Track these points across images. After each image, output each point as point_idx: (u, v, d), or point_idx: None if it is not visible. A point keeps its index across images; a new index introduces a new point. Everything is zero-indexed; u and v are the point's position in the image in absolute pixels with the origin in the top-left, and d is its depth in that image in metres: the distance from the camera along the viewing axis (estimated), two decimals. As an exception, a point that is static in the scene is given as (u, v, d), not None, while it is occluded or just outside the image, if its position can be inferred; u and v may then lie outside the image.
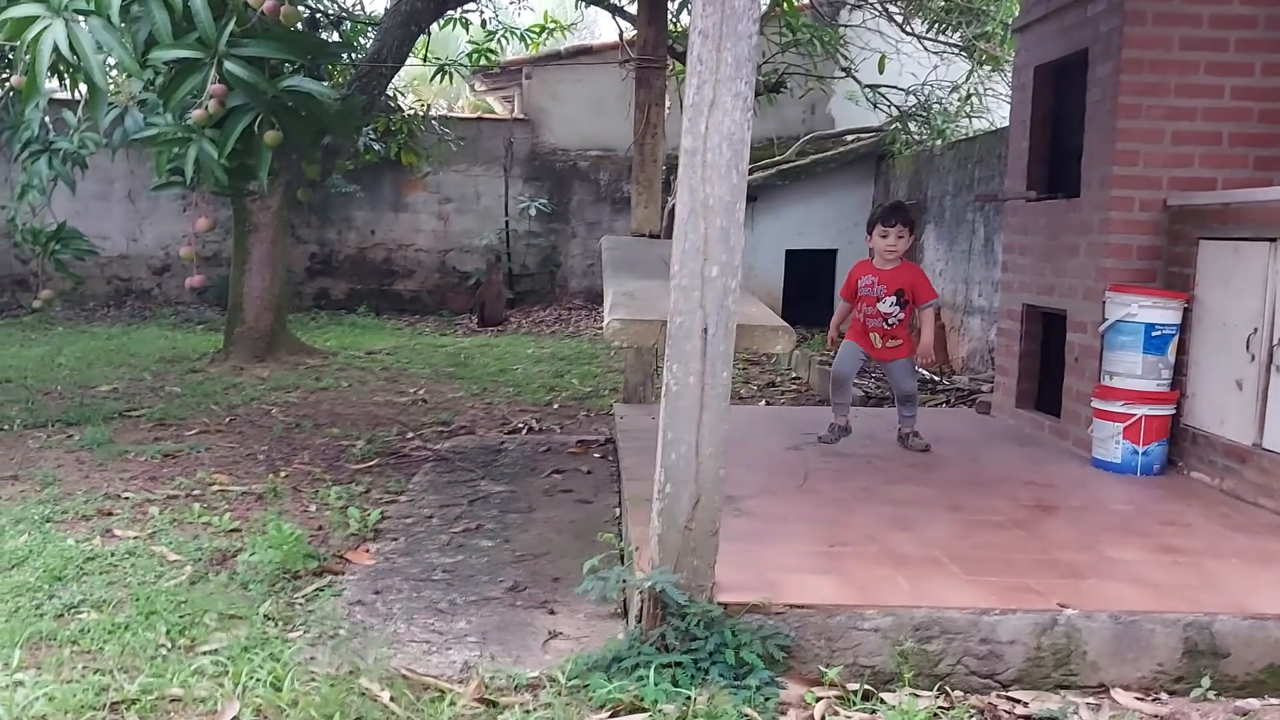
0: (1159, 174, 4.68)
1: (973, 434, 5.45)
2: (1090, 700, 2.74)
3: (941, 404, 6.99)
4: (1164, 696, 2.77)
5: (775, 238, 11.74)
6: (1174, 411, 4.53)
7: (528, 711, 2.53)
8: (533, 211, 12.56)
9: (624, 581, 2.91)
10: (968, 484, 4.27)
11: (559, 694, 2.60)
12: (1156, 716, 2.67)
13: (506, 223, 12.60)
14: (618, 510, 4.22)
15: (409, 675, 2.71)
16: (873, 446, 4.98)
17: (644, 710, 2.50)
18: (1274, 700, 2.74)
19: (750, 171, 10.97)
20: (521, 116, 12.98)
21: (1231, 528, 3.70)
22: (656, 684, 2.55)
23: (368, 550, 3.78)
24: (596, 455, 5.34)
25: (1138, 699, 2.75)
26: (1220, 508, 3.98)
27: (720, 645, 2.65)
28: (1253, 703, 2.73)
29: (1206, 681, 2.78)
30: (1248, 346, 4.07)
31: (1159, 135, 4.66)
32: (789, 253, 11.78)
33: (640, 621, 2.76)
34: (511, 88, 13.73)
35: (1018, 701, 2.70)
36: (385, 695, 2.58)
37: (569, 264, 12.91)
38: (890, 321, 4.81)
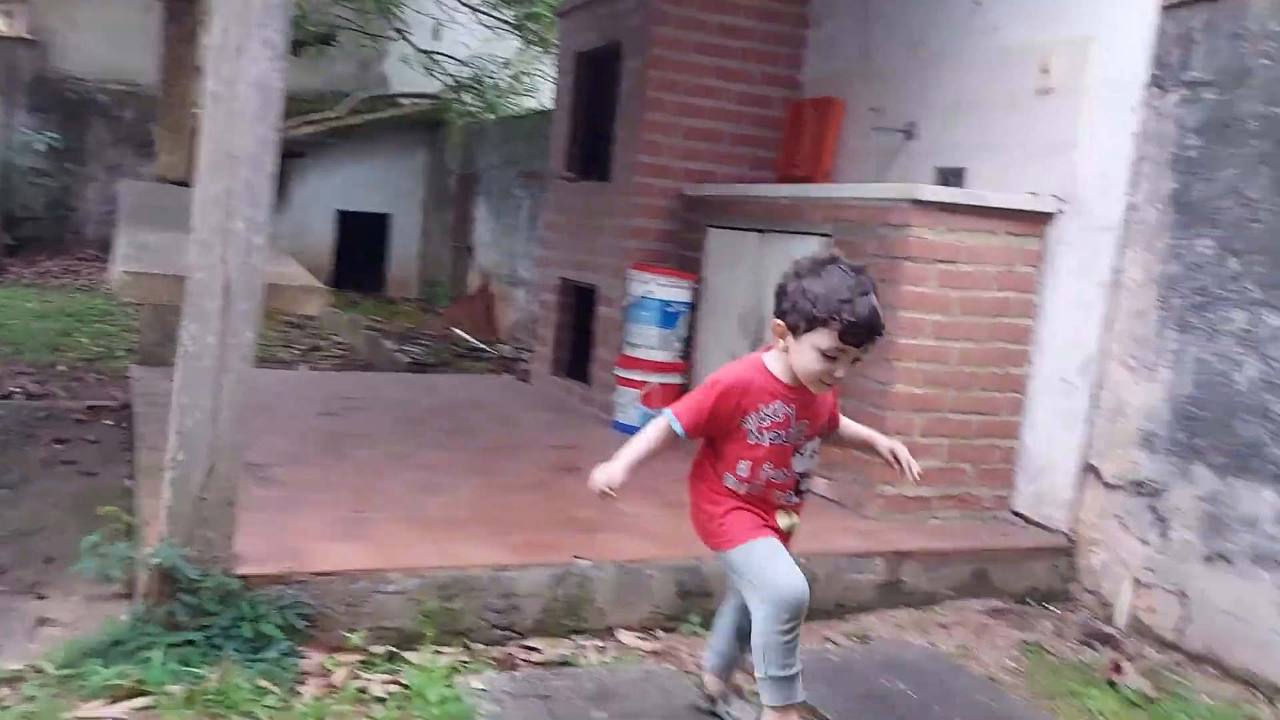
0: (677, 165, 5.15)
1: (510, 400, 5.67)
2: (598, 643, 2.98)
3: (485, 371, 7.19)
4: (660, 633, 3.08)
5: (326, 197, 11.35)
6: (684, 380, 5.03)
7: (5, 707, 2.25)
8: (40, 147, 11.04)
9: (128, 558, 2.68)
10: (498, 449, 4.44)
11: (45, 685, 2.34)
12: (653, 652, 2.97)
13: (7, 158, 10.96)
14: (130, 482, 3.87)
15: None
16: (408, 411, 5.00)
17: (147, 694, 2.33)
18: (747, 631, 3.14)
19: (298, 126, 10.49)
20: (27, 36, 11.33)
21: (723, 483, 4.19)
22: (163, 665, 2.38)
23: None
24: (108, 423, 4.85)
25: (639, 638, 3.03)
26: (716, 466, 4.48)
27: (237, 619, 2.54)
28: (730, 634, 3.11)
29: (695, 618, 3.13)
30: (741, 324, 4.62)
31: (676, 129, 5.13)
32: (341, 214, 11.45)
33: (147, 601, 2.56)
34: (14, 3, 11.92)
35: (533, 649, 2.87)
36: None
37: (85, 209, 11.51)
38: (803, 486, 2.43)
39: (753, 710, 2.47)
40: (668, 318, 4.92)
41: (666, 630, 3.10)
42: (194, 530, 2.59)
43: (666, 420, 2.34)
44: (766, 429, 2.31)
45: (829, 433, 2.51)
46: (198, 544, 2.58)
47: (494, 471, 4.01)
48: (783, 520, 2.37)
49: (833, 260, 2.26)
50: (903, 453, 2.49)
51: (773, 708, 2.29)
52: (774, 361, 2.34)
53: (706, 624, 3.12)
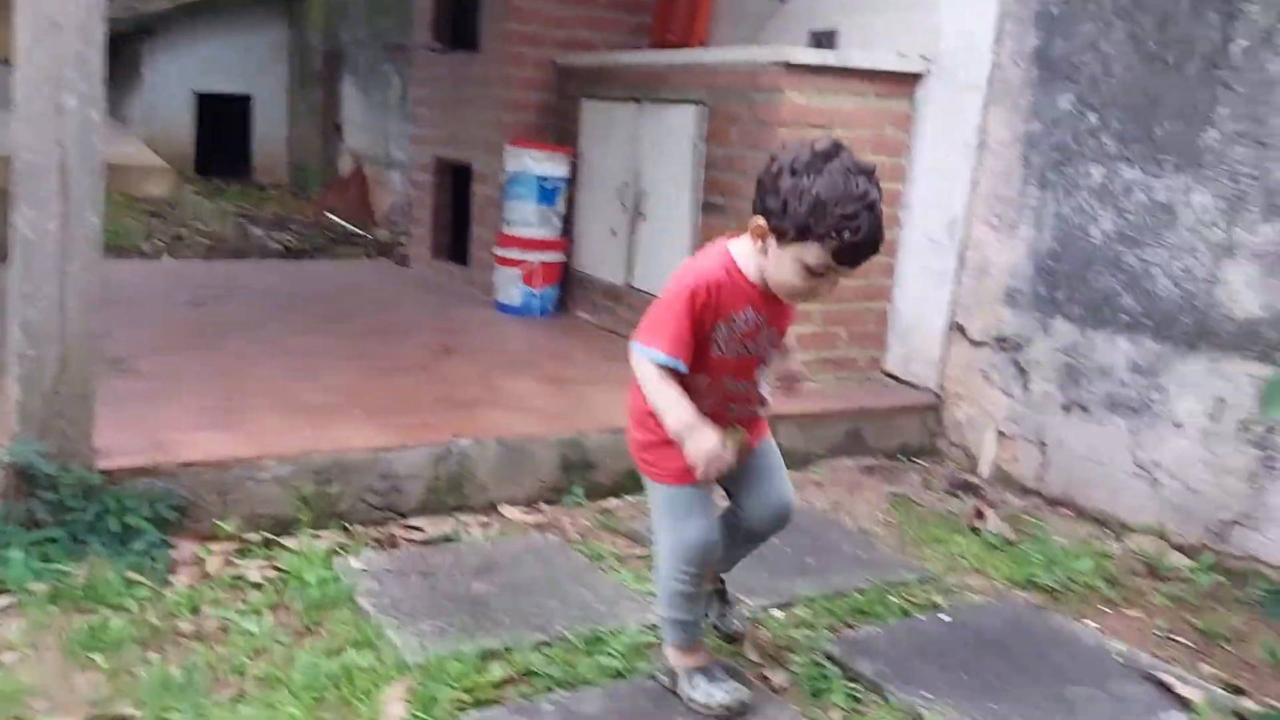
0: (549, 33, 4.99)
1: (387, 285, 5.54)
2: (482, 519, 2.99)
3: (361, 257, 7.00)
4: (544, 507, 3.11)
5: (179, 78, 10.70)
6: (564, 258, 4.98)
7: None
8: None
9: (-22, 458, 2.55)
10: (376, 333, 4.35)
11: (-105, 593, 2.25)
12: (537, 524, 3.00)
13: None
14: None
15: None
16: (281, 298, 4.85)
17: (8, 592, 2.25)
18: (630, 498, 3.20)
19: None
20: None
21: (606, 358, 4.20)
22: (24, 563, 2.30)
23: None
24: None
25: (522, 512, 3.06)
26: (599, 341, 4.49)
27: (102, 513, 2.46)
28: (613, 501, 3.17)
29: (579, 490, 3.16)
30: (620, 198, 4.57)
31: (549, -5, 4.95)
32: (199, 96, 10.83)
33: (3, 500, 2.45)
34: None
35: (415, 529, 2.86)
36: None
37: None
38: (760, 404, 2.18)
39: (739, 621, 2.35)
40: (545, 194, 4.83)
41: (550, 503, 3.13)
42: (49, 425, 2.47)
43: (651, 363, 1.94)
44: (735, 340, 1.97)
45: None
46: (54, 439, 2.47)
47: (372, 356, 3.93)
48: (730, 439, 1.98)
49: (836, 153, 1.84)
50: (791, 378, 2.23)
51: (674, 646, 2.13)
52: (745, 259, 1.95)
53: (590, 495, 3.16)
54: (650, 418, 2.02)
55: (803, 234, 1.83)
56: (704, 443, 1.90)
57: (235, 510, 2.68)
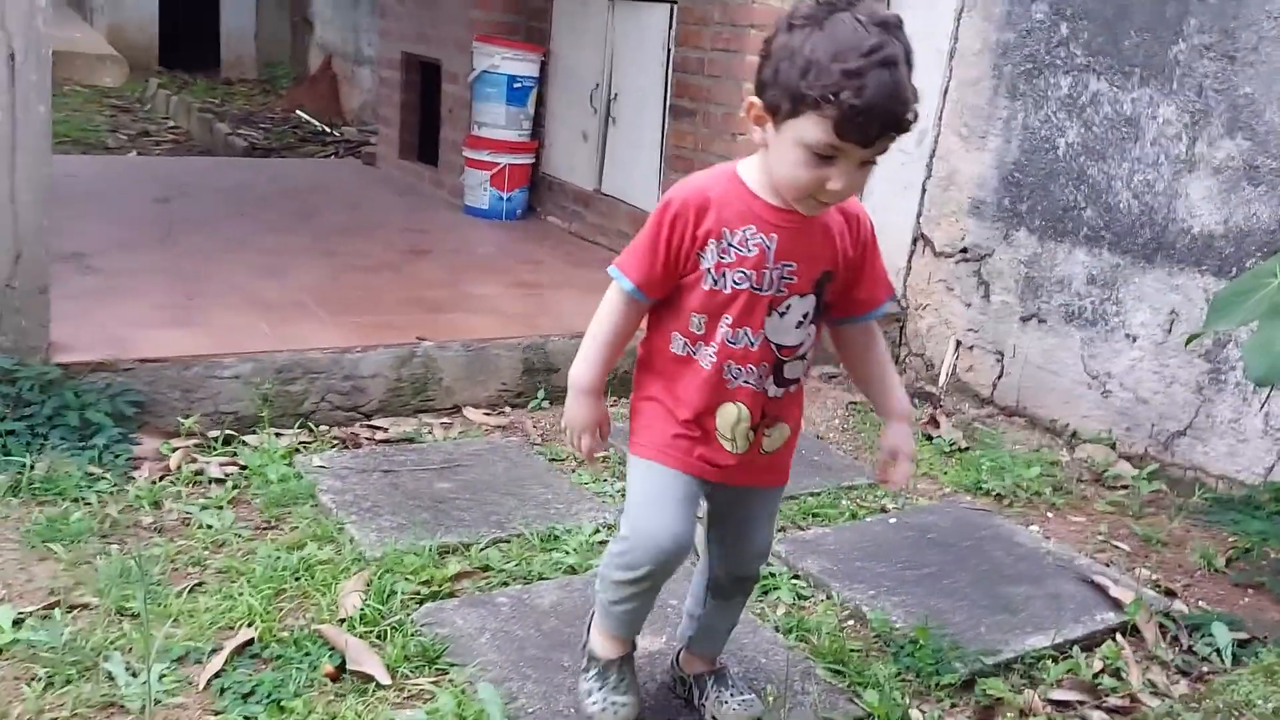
0: (520, -73, 4.85)
1: (356, 184, 5.47)
2: (445, 420, 3.02)
3: (330, 155, 6.90)
4: (507, 410, 3.14)
5: (145, -34, 10.34)
6: (534, 161, 4.93)
7: None
8: None
9: (-66, 351, 2.54)
10: (344, 232, 4.32)
11: None
12: (499, 426, 3.03)
13: None
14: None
15: None
16: (247, 196, 4.79)
17: (-34, 485, 2.27)
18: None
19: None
20: None
21: (573, 263, 4.20)
22: (-17, 456, 2.32)
23: None
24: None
25: (485, 414, 3.09)
26: (567, 246, 4.48)
27: (61, 408, 2.47)
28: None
29: (541, 393, 3.19)
30: (591, 100, 4.51)
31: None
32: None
33: (-40, 393, 2.46)
34: None
35: (378, 428, 2.89)
36: None
37: None
38: (789, 374, 1.64)
39: (740, 705, 1.79)
40: (515, 94, 4.75)
41: (514, 407, 3.16)
42: (4, 320, 2.47)
43: (615, 288, 1.62)
44: (730, 265, 1.55)
45: (843, 312, 1.67)
46: (10, 333, 2.47)
47: (340, 254, 3.91)
48: (743, 423, 1.61)
49: (846, 4, 1.43)
50: (906, 463, 1.70)
51: (598, 628, 1.77)
52: (750, 169, 1.57)
53: (551, 399, 3.19)
54: (638, 366, 1.68)
55: (796, 104, 1.42)
56: (578, 413, 1.64)
57: (197, 408, 2.69)
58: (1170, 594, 2.43)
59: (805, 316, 1.60)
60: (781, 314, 1.58)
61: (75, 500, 2.28)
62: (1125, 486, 2.98)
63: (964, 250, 3.60)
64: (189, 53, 9.82)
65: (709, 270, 1.56)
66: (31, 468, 2.32)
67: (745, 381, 1.60)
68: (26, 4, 2.36)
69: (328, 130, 7.55)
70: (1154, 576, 2.49)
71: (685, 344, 1.60)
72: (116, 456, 2.44)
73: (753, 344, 1.58)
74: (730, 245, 1.55)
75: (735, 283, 1.55)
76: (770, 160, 1.51)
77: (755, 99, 1.49)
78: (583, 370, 1.65)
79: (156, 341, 2.78)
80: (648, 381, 1.66)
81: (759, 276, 1.55)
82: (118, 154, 6.46)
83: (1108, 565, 2.52)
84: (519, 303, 3.59)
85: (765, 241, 1.54)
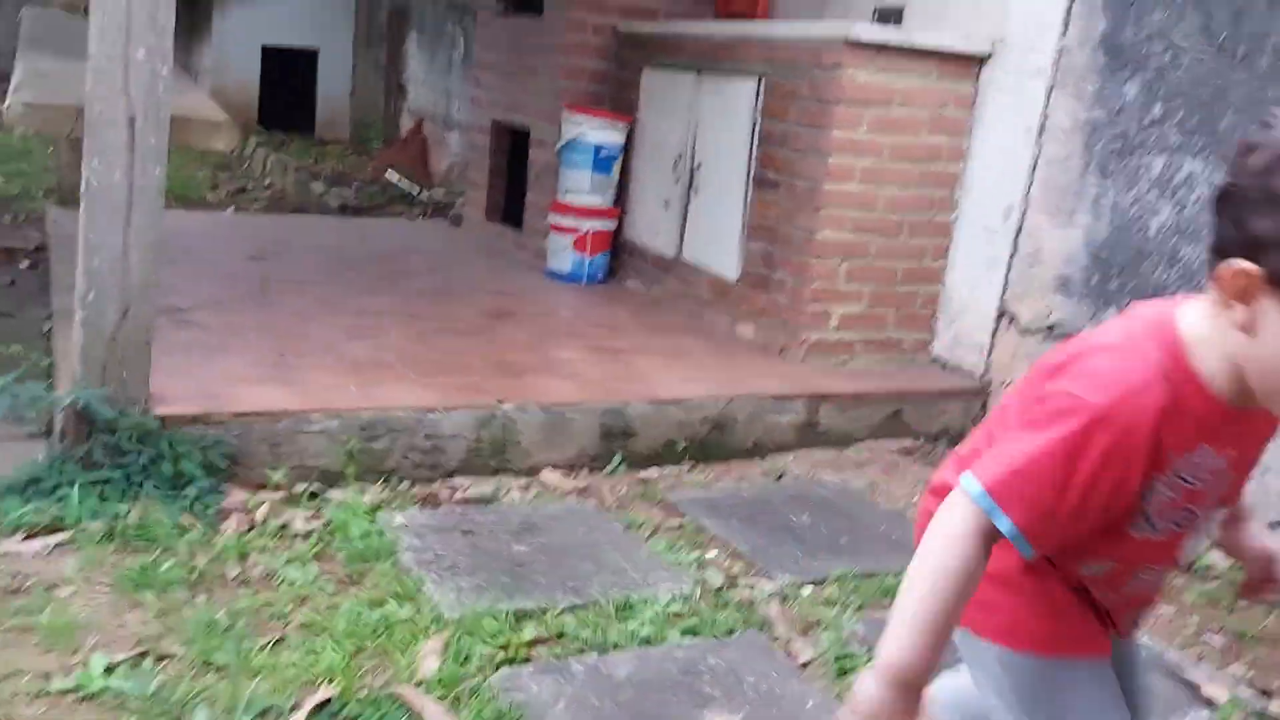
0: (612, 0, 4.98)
1: (442, 246, 5.60)
2: (522, 481, 3.05)
3: (418, 216, 7.07)
4: (584, 473, 3.16)
5: (249, 33, 10.81)
6: (616, 226, 5.00)
7: (-79, 545, 2.26)
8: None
9: (41, 398, 2.65)
10: (432, 294, 4.41)
11: (-38, 524, 2.35)
12: (576, 490, 3.04)
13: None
14: (48, 325, 3.80)
15: None
16: (337, 255, 4.93)
17: (65, 529, 2.35)
18: (670, 468, 3.24)
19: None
20: None
21: (652, 329, 4.22)
22: (81, 501, 2.40)
23: None
24: (25, 265, 4.72)
25: (563, 477, 3.11)
26: (647, 312, 4.52)
27: (156, 458, 2.55)
28: (652, 471, 3.21)
29: (618, 458, 3.20)
30: (674, 169, 4.57)
31: (612, -38, 4.94)
32: (266, 50, 10.95)
33: (63, 440, 2.55)
34: None
35: (457, 488, 2.93)
36: None
37: (-7, 42, 10.90)
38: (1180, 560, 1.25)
39: None
40: (601, 162, 4.84)
41: (591, 470, 3.18)
42: (110, 371, 2.56)
43: (970, 505, 1.09)
44: (1177, 506, 1.13)
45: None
46: (113, 384, 2.56)
47: (427, 317, 4.00)
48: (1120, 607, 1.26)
49: None
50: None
51: None
52: (1202, 347, 1.08)
53: (629, 464, 3.20)
54: (996, 565, 1.15)
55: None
56: (893, 714, 1.10)
57: (284, 461, 2.76)
58: (1266, 694, 2.32)
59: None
60: (1208, 508, 1.17)
61: (166, 549, 2.34)
62: (1218, 577, 2.87)
63: (1050, 328, 3.54)
64: (287, 113, 10.21)
65: (1146, 514, 1.11)
66: (126, 515, 2.39)
67: (1126, 594, 1.24)
68: (149, 73, 2.49)
69: (416, 191, 7.75)
70: (1248, 675, 2.39)
71: (1073, 577, 1.19)
72: (206, 507, 2.50)
73: (1154, 574, 1.23)
74: (1179, 478, 1.09)
75: (1176, 525, 1.12)
76: (1259, 350, 1.03)
77: (1248, 264, 1.00)
78: (908, 655, 1.09)
79: (250, 396, 2.86)
80: (1023, 577, 1.22)
81: (1200, 507, 1.13)
82: (216, 210, 6.71)
83: (1199, 660, 2.42)
84: (597, 367, 3.62)
85: (1220, 465, 1.10)
